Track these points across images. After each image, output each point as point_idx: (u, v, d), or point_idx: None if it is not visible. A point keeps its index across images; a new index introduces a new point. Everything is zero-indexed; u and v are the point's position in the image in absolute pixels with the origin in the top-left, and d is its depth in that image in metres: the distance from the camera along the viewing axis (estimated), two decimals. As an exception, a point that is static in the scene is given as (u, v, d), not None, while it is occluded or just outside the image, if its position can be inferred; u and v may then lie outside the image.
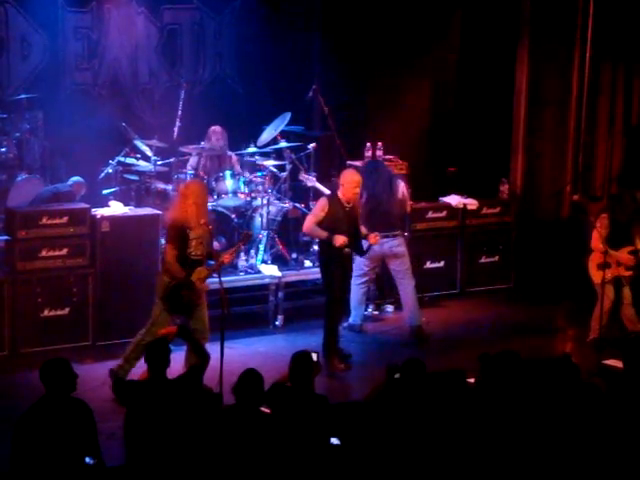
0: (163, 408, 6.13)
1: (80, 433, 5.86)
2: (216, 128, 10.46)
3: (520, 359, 6.37)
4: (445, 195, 11.31)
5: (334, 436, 6.17)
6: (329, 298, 8.89)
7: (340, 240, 8.64)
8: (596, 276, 9.38)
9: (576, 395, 6.23)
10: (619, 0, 11.80)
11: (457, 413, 6.24)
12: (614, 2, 11.79)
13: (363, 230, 8.96)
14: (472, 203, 11.18)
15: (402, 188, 9.72)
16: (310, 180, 10.39)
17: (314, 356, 6.46)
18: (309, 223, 8.83)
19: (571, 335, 10.05)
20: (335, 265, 8.75)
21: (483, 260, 11.28)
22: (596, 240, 9.31)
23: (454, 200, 11.17)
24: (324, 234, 8.71)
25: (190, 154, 10.44)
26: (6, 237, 9.01)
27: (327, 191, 10.26)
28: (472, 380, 6.78)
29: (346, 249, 8.73)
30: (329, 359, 8.67)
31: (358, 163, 10.78)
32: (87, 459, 5.88)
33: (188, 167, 10.30)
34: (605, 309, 9.32)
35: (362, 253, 9.10)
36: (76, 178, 10.12)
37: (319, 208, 8.83)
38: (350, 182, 8.79)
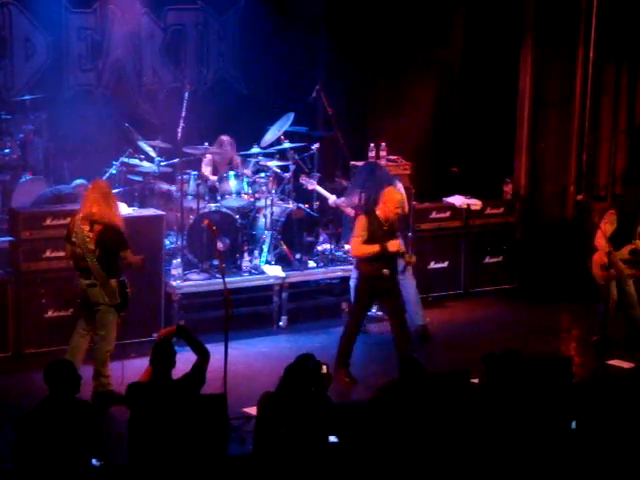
0: (168, 408, 6.13)
1: (84, 434, 5.87)
2: (225, 137, 10.42)
3: (524, 359, 6.36)
4: (449, 195, 11.31)
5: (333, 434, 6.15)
6: (354, 317, 8.80)
7: (395, 245, 8.50)
8: (599, 276, 9.36)
9: (573, 396, 6.21)
10: (622, 1, 11.80)
11: (461, 413, 6.24)
12: (617, 2, 11.78)
13: (401, 248, 8.78)
14: (476, 203, 11.18)
15: (400, 189, 9.67)
16: (310, 183, 10.37)
17: (324, 368, 6.47)
18: (356, 245, 8.58)
19: (575, 335, 10.05)
20: (370, 288, 8.62)
21: (487, 260, 11.28)
22: (600, 239, 9.29)
23: (458, 200, 11.18)
24: (375, 247, 8.48)
25: (194, 156, 10.43)
26: (9, 238, 9.03)
27: (329, 195, 10.24)
28: (476, 380, 6.78)
29: (385, 270, 8.55)
30: (337, 370, 8.56)
31: (361, 164, 10.80)
32: (93, 461, 5.89)
33: (205, 169, 10.28)
34: (609, 309, 9.31)
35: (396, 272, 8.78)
36: (79, 180, 10.12)
37: (361, 228, 8.59)
38: (392, 201, 8.60)
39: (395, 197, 8.69)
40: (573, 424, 6.26)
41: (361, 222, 8.66)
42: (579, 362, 8.82)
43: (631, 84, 12.38)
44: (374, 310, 10.39)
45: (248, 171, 10.27)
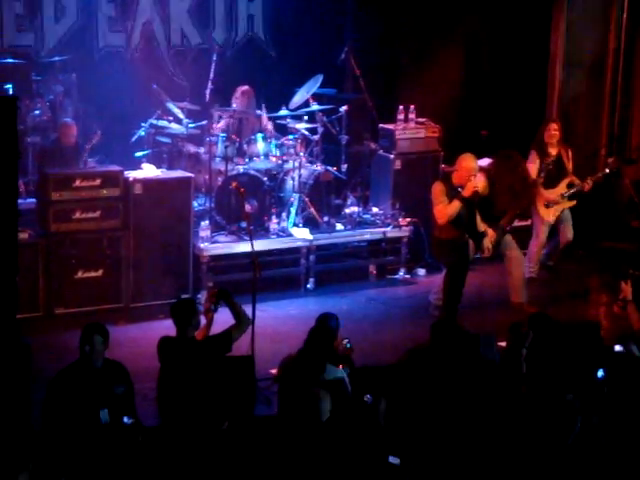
0: (192, 368, 6.18)
1: (117, 393, 5.93)
2: (240, 87, 10.41)
3: (552, 322, 6.35)
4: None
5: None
6: (452, 282, 8.84)
7: (470, 187, 8.52)
8: (545, 214, 9.93)
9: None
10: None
11: (487, 379, 6.25)
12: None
13: (483, 226, 8.86)
14: None
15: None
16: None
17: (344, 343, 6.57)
18: (442, 212, 8.61)
19: (604, 301, 9.97)
20: (456, 255, 8.72)
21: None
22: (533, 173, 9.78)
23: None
24: (456, 202, 8.55)
25: (220, 116, 10.42)
26: (35, 199, 9.10)
27: None
28: (503, 344, 6.77)
29: (466, 236, 8.71)
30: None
31: (390, 126, 10.75)
32: (125, 419, 5.97)
33: (218, 130, 10.28)
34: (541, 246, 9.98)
35: (478, 243, 8.86)
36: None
37: (440, 193, 8.65)
38: (465, 168, 8.64)
39: (469, 164, 8.67)
40: (600, 373, 6.23)
41: (438, 188, 8.72)
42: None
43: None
44: (402, 273, 10.40)
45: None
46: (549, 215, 10.00)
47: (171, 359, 6.26)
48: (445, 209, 8.61)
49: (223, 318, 6.68)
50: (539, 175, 9.93)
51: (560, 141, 10.00)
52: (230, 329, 6.49)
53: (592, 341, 6.95)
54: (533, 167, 9.87)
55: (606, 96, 11.85)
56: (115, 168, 9.34)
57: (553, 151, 9.96)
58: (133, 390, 6.19)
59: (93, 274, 9.02)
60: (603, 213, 10.94)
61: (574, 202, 10.04)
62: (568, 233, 10.13)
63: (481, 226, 8.90)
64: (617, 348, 6.48)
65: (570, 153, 10.05)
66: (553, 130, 9.94)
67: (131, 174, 9.28)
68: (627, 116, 12.21)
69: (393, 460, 5.37)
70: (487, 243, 8.90)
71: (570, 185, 9.95)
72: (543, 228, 10.04)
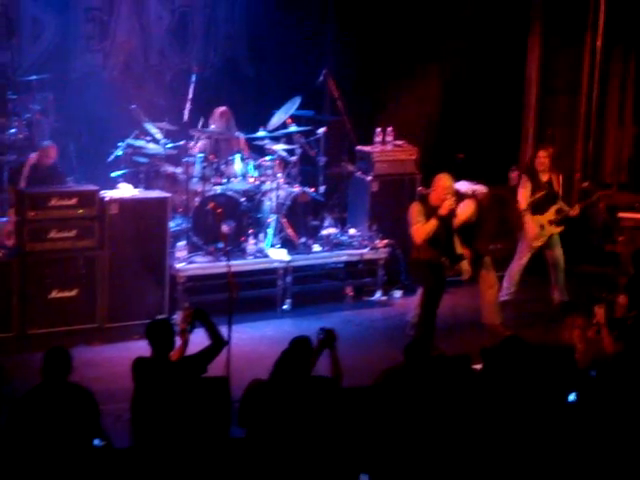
0: (168, 389, 6.15)
1: (80, 416, 5.87)
2: (218, 108, 10.44)
3: (524, 346, 6.37)
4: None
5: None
6: (428, 303, 8.84)
7: (446, 206, 8.57)
8: (533, 239, 9.92)
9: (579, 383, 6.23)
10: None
11: (462, 399, 6.26)
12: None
13: (461, 249, 8.92)
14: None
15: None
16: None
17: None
18: (419, 231, 8.66)
19: (578, 324, 10.01)
20: (432, 276, 8.74)
21: (492, 247, 11.25)
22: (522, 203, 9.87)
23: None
24: (432, 220, 8.60)
25: (199, 137, 10.43)
26: (6, 218, 9.06)
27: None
28: (478, 367, 6.79)
29: (443, 258, 8.74)
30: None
31: (368, 148, 10.80)
32: (96, 441, 5.92)
33: (196, 150, 10.29)
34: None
35: (453, 263, 8.91)
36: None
37: (417, 213, 8.71)
38: (441, 187, 8.70)
39: (444, 184, 8.74)
40: (572, 396, 6.26)
41: (416, 208, 8.76)
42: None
43: (638, 72, 12.37)
44: (378, 295, 10.42)
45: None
46: (537, 241, 9.96)
47: (146, 380, 6.23)
48: (422, 228, 8.66)
49: (199, 340, 6.65)
50: (530, 201, 9.93)
51: (551, 167, 9.96)
52: (205, 350, 6.46)
53: (566, 364, 6.97)
54: (524, 193, 9.91)
55: (581, 121, 11.98)
56: (91, 187, 9.32)
57: (544, 177, 9.94)
58: (99, 412, 6.11)
59: (68, 294, 8.98)
60: (578, 237, 11.01)
61: (561, 228, 9.99)
62: (558, 258, 10.02)
63: (460, 249, 8.94)
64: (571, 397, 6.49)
65: (560, 179, 10.04)
66: (542, 157, 9.95)
67: (107, 194, 9.27)
68: (601, 141, 12.34)
69: (364, 478, 5.37)
70: (466, 265, 8.94)
71: (559, 211, 9.93)
72: (527, 253, 10.00)
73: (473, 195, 9.15)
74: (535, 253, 10.04)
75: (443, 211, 8.62)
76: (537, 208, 9.97)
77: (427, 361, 6.33)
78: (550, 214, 9.93)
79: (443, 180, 8.78)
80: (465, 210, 8.90)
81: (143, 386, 6.21)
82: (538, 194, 9.93)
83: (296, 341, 6.35)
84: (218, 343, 6.51)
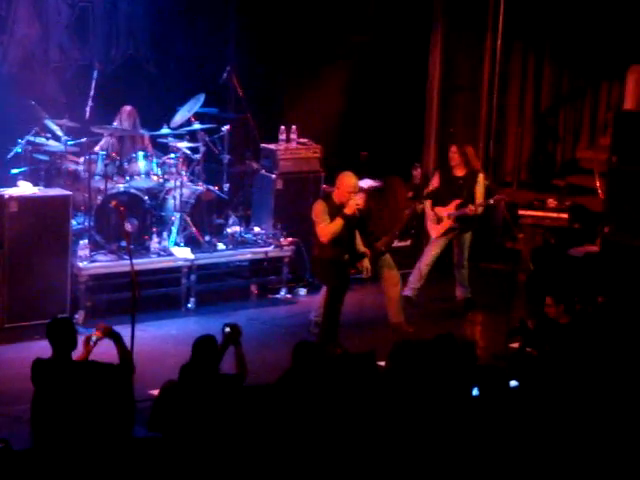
0: (69, 389, 6.06)
1: None
2: (125, 108, 10.34)
3: (425, 345, 6.46)
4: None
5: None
6: (332, 301, 8.84)
7: (352, 205, 8.59)
8: (431, 230, 10.10)
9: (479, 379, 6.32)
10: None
11: (367, 397, 6.30)
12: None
13: (362, 247, 8.94)
14: (368, 183, 11.19)
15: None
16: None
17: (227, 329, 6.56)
18: (324, 230, 8.64)
19: (479, 320, 10.21)
20: (335, 274, 8.75)
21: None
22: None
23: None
24: (338, 220, 8.59)
25: (102, 135, 10.30)
26: None
27: None
28: (382, 363, 6.84)
29: (346, 255, 8.75)
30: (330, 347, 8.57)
31: (272, 146, 10.80)
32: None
33: (98, 148, 10.16)
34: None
35: (355, 261, 8.94)
36: None
37: (321, 212, 8.68)
38: (345, 185, 8.71)
39: (348, 181, 8.75)
40: (475, 391, 6.37)
41: (320, 207, 8.74)
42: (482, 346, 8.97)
43: (537, 71, 12.65)
44: (283, 293, 10.44)
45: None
46: (434, 232, 10.10)
47: (46, 380, 6.13)
48: (327, 228, 8.68)
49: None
50: (426, 192, 10.12)
51: (468, 164, 10.05)
52: (114, 366, 6.39)
53: (467, 359, 7.07)
54: (430, 185, 10.25)
55: (482, 120, 12.18)
56: (-11, 185, 9.13)
57: (458, 172, 10.05)
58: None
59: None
60: (479, 235, 11.20)
61: (456, 224, 10.04)
62: (460, 256, 10.13)
63: (361, 247, 9.00)
64: (512, 384, 6.59)
65: (480, 178, 10.07)
66: (452, 152, 10.11)
67: (6, 191, 9.08)
68: (502, 140, 12.57)
69: None
70: (366, 264, 8.99)
71: (459, 206, 10.01)
72: (430, 246, 10.15)
73: (361, 189, 9.18)
74: (444, 248, 10.12)
75: (348, 210, 8.65)
76: (437, 201, 10.11)
77: (317, 360, 6.33)
78: (449, 208, 10.06)
79: (347, 178, 8.82)
80: (359, 202, 8.93)
81: (43, 387, 6.11)
82: (434, 187, 10.11)
83: (201, 340, 6.33)
84: (125, 366, 6.45)
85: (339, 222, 8.65)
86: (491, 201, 10.26)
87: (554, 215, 11.59)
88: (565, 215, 11.53)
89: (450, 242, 10.14)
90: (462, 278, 10.20)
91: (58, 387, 6.09)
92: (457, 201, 10.01)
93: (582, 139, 12.92)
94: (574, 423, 6.19)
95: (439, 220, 10.07)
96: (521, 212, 11.65)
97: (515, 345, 8.21)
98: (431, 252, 10.11)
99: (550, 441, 5.99)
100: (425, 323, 9.53)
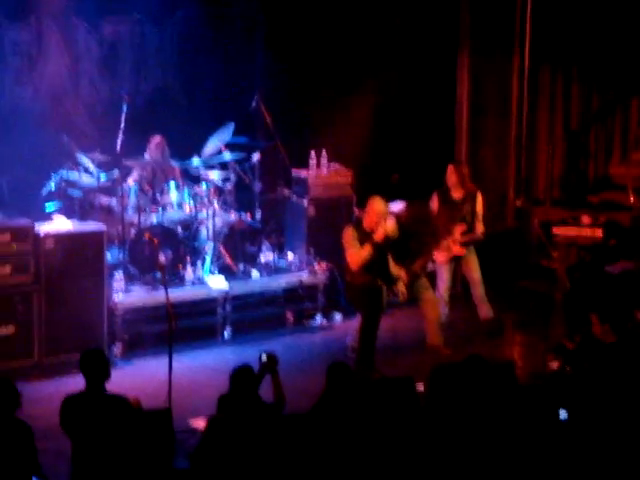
0: (104, 422, 6.06)
1: (20, 453, 5.77)
2: (155, 137, 10.40)
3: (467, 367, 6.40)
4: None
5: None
6: (366, 327, 8.81)
7: (381, 232, 8.58)
8: (437, 256, 9.85)
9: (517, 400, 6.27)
10: (556, 8, 11.99)
11: (405, 421, 6.26)
12: (552, 10, 11.97)
13: (396, 270, 8.93)
14: (399, 206, 11.14)
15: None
16: None
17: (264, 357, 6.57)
18: (354, 257, 8.66)
19: (518, 340, 10.13)
20: (369, 300, 8.74)
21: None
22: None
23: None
24: (367, 247, 8.60)
25: (132, 167, 10.36)
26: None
27: None
28: (421, 387, 6.81)
29: (379, 281, 8.73)
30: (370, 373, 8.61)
31: (303, 172, 10.82)
32: (34, 479, 5.82)
33: (131, 181, 10.22)
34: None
35: (389, 285, 8.91)
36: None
37: (351, 238, 8.71)
38: (374, 212, 8.73)
39: (377, 208, 8.74)
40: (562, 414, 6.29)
41: (349, 233, 8.76)
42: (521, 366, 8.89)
43: (566, 90, 12.60)
44: (318, 319, 10.42)
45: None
46: (441, 257, 9.88)
47: (78, 416, 6.12)
48: (357, 254, 8.66)
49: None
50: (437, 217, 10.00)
51: (466, 185, 9.94)
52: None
53: (507, 380, 7.02)
54: (430, 208, 9.99)
55: (512, 139, 12.14)
56: (25, 222, 9.18)
57: (456, 194, 9.91)
58: (35, 448, 6.00)
59: (4, 331, 8.83)
60: (514, 254, 11.15)
61: (464, 250, 9.87)
62: (474, 274, 9.99)
63: (394, 270, 8.96)
64: (562, 415, 6.51)
65: (479, 198, 9.97)
66: (449, 173, 9.91)
67: (42, 228, 9.14)
68: (533, 158, 12.52)
69: None
70: (401, 287, 8.95)
71: (465, 232, 9.83)
72: (440, 273, 9.94)
73: (391, 213, 9.14)
74: (454, 268, 9.97)
75: (378, 237, 8.63)
76: (439, 225, 9.90)
77: (351, 381, 6.30)
78: (455, 235, 9.80)
79: (376, 204, 8.80)
80: (387, 227, 8.87)
81: (75, 424, 6.11)
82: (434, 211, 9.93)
83: (238, 371, 6.32)
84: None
85: (368, 249, 8.63)
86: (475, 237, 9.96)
87: (588, 232, 11.49)
88: (599, 231, 11.43)
89: (456, 261, 9.96)
90: (480, 296, 9.99)
91: (91, 421, 6.09)
92: (461, 227, 9.80)
93: (614, 155, 12.86)
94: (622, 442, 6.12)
95: (445, 246, 9.81)
96: (555, 230, 11.57)
97: (554, 365, 8.13)
98: (444, 277, 9.91)
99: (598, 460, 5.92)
100: (463, 345, 9.46)
